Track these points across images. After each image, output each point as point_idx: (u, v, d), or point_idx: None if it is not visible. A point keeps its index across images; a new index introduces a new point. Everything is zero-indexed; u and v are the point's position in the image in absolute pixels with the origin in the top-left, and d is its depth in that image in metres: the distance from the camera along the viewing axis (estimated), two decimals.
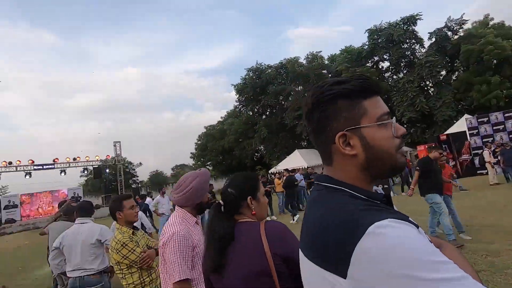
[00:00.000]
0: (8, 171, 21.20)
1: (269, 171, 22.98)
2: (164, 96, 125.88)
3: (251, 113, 33.59)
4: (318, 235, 0.57)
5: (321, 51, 30.03)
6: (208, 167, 43.73)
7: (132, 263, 2.21)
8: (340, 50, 29.11)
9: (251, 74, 31.07)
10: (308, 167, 16.42)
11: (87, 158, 24.39)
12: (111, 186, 31.72)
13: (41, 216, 24.47)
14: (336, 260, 0.51)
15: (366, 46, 26.65)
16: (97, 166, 24.97)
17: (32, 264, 8.30)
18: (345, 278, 0.50)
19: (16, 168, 21.43)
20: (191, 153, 46.24)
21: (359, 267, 0.48)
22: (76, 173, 30.29)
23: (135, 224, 2.48)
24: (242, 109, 34.35)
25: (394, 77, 27.11)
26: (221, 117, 42.39)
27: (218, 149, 38.04)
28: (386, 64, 28.03)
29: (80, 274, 2.84)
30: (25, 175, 21.57)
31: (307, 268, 0.60)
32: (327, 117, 0.63)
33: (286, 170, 13.03)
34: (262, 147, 34.29)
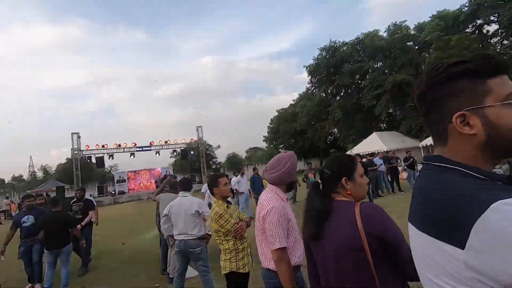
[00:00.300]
0: (118, 152, 25.75)
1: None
2: (238, 82, 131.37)
3: (324, 95, 32.41)
4: (436, 208, 0.59)
5: (405, 21, 26.52)
6: (280, 150, 44.54)
7: (227, 232, 2.57)
8: (430, 17, 25.19)
9: (324, 54, 29.69)
10: (388, 151, 15.20)
11: (176, 141, 27.71)
12: (195, 167, 35.42)
13: (142, 190, 29.11)
14: (454, 232, 0.54)
15: (466, 8, 22.38)
16: (183, 148, 28.14)
17: (140, 228, 10.11)
18: (462, 249, 0.52)
19: (124, 150, 25.84)
20: (263, 136, 47.66)
21: (480, 239, 0.50)
22: (168, 154, 34.82)
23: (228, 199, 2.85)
24: (314, 91, 33.43)
25: (505, 42, 22.24)
26: (293, 100, 42.13)
27: (290, 132, 38.17)
28: (493, 27, 23.12)
29: (184, 238, 3.42)
30: (130, 155, 25.87)
31: (419, 240, 0.64)
32: (444, 97, 0.64)
33: (358, 155, 12.35)
34: (336, 130, 32.97)
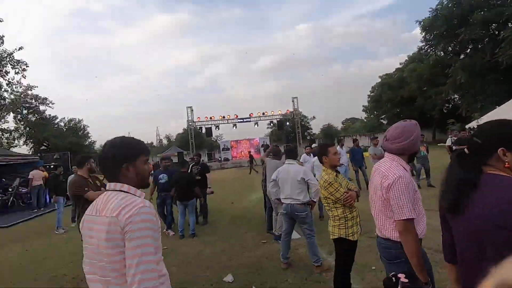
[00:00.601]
0: (223, 123, 28.66)
1: (466, 126, 18.41)
2: (334, 48, 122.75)
3: (442, 54, 27.04)
4: None
5: None
6: (382, 120, 40.51)
7: (336, 200, 2.63)
8: None
9: (445, 2, 24.24)
10: None
11: (272, 112, 28.75)
12: (290, 137, 36.22)
13: (242, 158, 31.83)
14: None
15: None
16: (279, 119, 28.98)
17: (245, 190, 11.30)
18: None
19: (227, 121, 28.55)
20: (363, 106, 44.11)
21: None
22: (265, 125, 36.66)
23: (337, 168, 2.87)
24: (429, 50, 28.19)
25: None
26: (400, 64, 36.90)
27: (395, 100, 34.08)
28: None
29: (291, 202, 3.67)
30: (233, 126, 28.44)
31: None
32: None
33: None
34: (456, 96, 27.50)
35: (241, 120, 28.59)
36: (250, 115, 28.50)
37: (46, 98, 30.79)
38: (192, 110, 28.81)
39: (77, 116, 48.26)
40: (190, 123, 28.67)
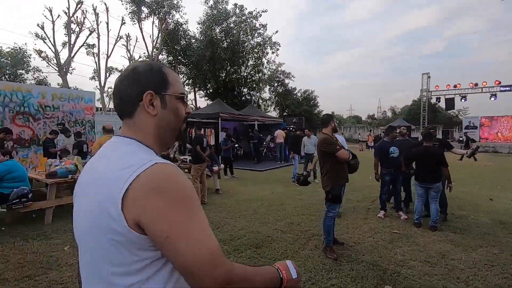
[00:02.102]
0: (474, 93, 21.80)
1: None
2: None
3: None
4: None
5: None
6: None
7: None
8: None
9: None
10: None
11: None
12: None
13: (500, 141, 23.39)
14: None
15: None
16: None
17: (507, 185, 7.95)
18: None
19: (482, 90, 21.43)
20: None
21: None
22: None
23: None
24: None
25: None
26: None
27: None
28: None
29: None
30: (490, 97, 20.99)
31: None
32: None
33: None
34: None
35: (507, 89, 20.43)
36: None
37: (289, 73, 37.08)
38: (429, 77, 24.07)
39: (309, 87, 55.04)
40: (424, 93, 24.23)
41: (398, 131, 5.56)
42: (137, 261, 0.62)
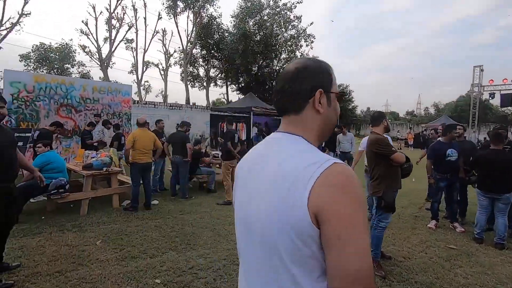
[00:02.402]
0: None
1: None
2: None
3: None
4: None
5: None
6: None
7: None
8: None
9: None
10: None
11: None
12: None
13: None
14: None
15: None
16: None
17: None
18: None
19: None
20: None
21: None
22: None
23: None
24: None
25: None
26: None
27: None
28: None
29: None
30: None
31: None
32: None
33: None
34: None
35: None
36: None
37: None
38: (482, 70, 21.74)
39: (344, 82, 52.92)
40: (475, 88, 21.97)
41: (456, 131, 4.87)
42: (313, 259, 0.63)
